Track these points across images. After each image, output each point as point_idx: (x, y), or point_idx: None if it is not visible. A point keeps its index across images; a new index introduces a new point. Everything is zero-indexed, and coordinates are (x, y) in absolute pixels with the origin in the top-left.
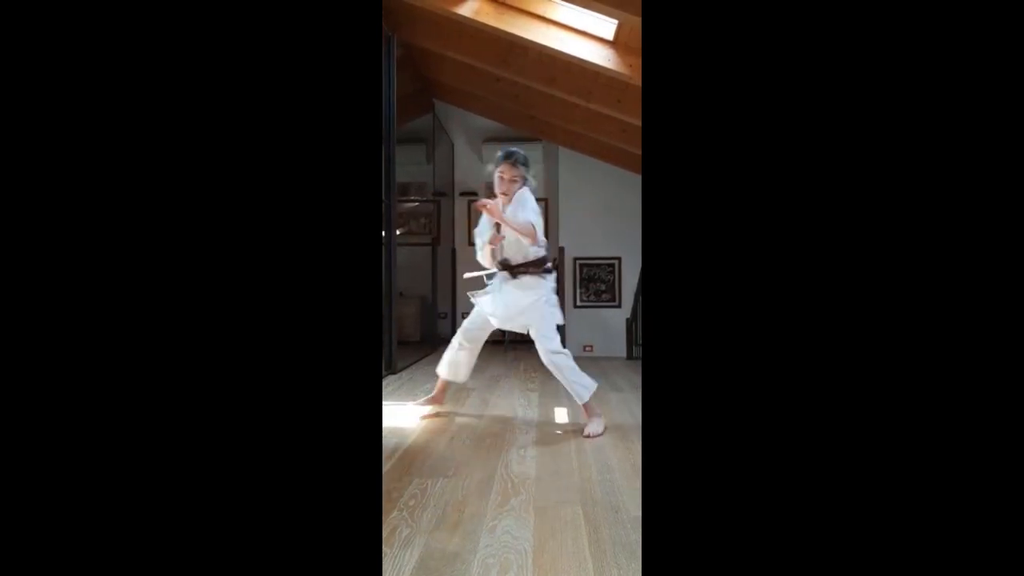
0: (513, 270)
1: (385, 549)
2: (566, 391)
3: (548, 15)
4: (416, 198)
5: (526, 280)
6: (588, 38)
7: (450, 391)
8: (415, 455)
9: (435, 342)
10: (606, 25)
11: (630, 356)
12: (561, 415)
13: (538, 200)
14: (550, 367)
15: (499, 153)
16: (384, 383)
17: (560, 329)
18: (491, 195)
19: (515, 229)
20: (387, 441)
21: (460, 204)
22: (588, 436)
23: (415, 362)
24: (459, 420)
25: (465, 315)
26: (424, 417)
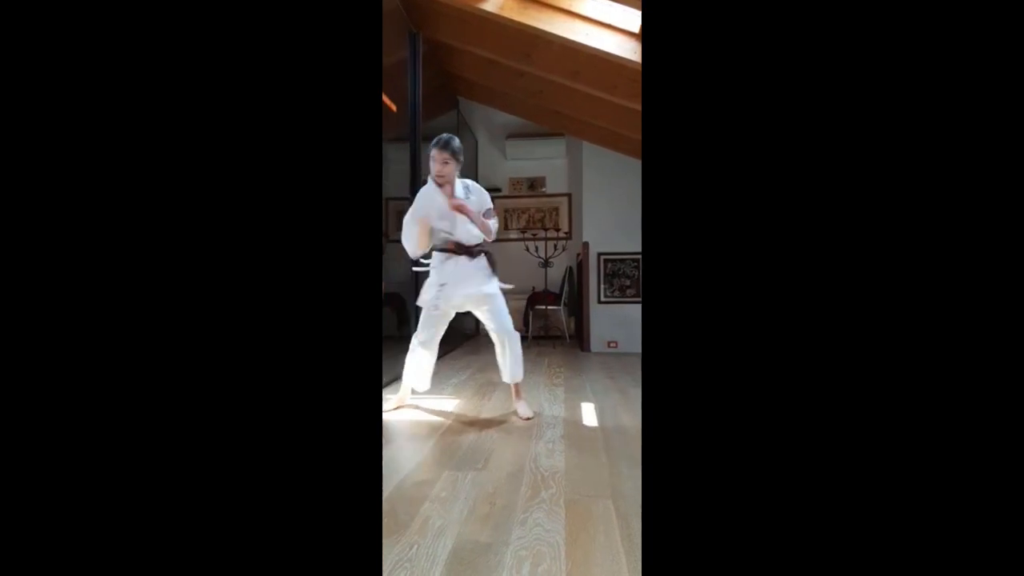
0: (471, 250)
1: (418, 539)
2: (591, 386)
3: (572, 8)
4: None
5: (483, 259)
6: (613, 31)
7: (475, 386)
8: (444, 448)
9: (457, 337)
10: (631, 17)
11: None
12: (587, 410)
13: (562, 195)
14: (507, 341)
15: (434, 142)
16: None
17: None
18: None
19: (481, 228)
20: (416, 434)
21: None
22: (524, 418)
23: (440, 357)
24: (486, 415)
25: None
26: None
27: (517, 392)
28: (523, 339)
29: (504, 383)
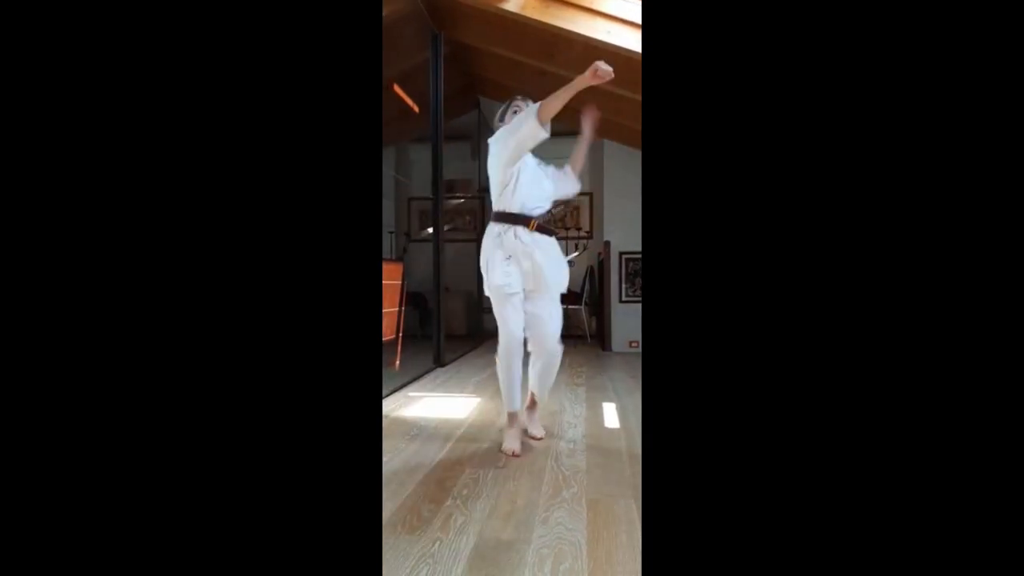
0: (541, 225)
1: (441, 535)
2: (613, 386)
3: (595, 6)
4: (462, 195)
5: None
6: (635, 28)
7: (495, 385)
8: (466, 446)
9: (481, 336)
10: None
11: None
12: (609, 410)
13: (583, 194)
14: (553, 361)
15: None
16: (433, 376)
17: None
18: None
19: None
20: (438, 432)
21: None
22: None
23: (462, 355)
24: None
25: None
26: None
27: (531, 410)
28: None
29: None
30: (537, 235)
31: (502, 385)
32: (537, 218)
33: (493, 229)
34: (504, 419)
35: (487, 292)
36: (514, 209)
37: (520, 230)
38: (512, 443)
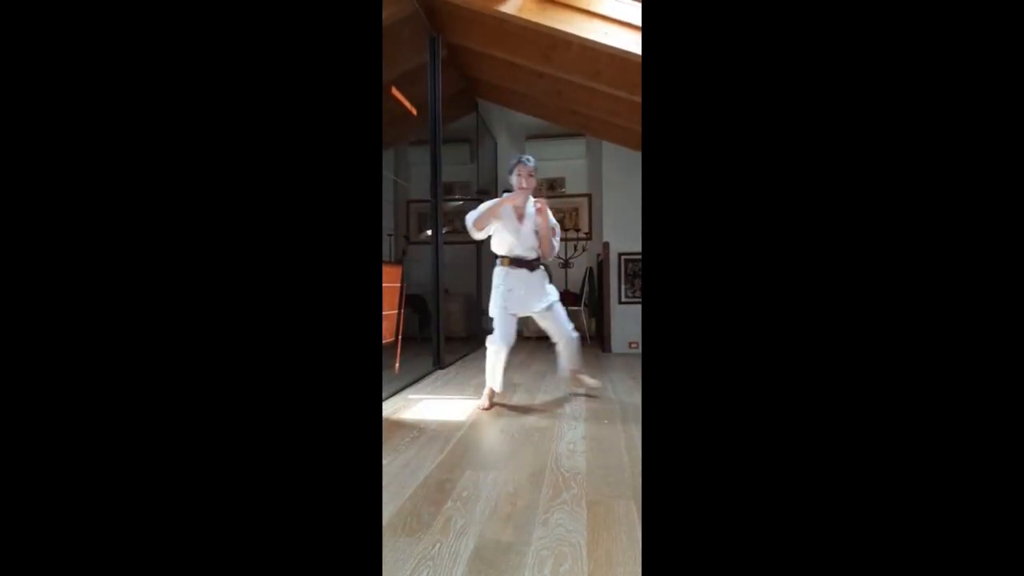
0: (531, 264)
1: (440, 538)
2: (612, 387)
3: (592, 8)
4: (460, 197)
5: (542, 270)
6: (632, 29)
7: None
8: (466, 448)
9: (480, 338)
10: None
11: None
12: (609, 411)
13: (582, 195)
14: (570, 344)
15: (524, 158)
16: (433, 377)
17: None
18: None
19: (544, 238)
20: (438, 434)
21: None
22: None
23: (462, 357)
24: (507, 415)
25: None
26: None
27: (576, 376)
28: (544, 339)
29: (518, 383)
30: (536, 272)
31: (494, 367)
32: (532, 261)
33: (502, 269)
34: (487, 393)
35: (496, 309)
36: (517, 253)
37: (523, 271)
38: (485, 402)
